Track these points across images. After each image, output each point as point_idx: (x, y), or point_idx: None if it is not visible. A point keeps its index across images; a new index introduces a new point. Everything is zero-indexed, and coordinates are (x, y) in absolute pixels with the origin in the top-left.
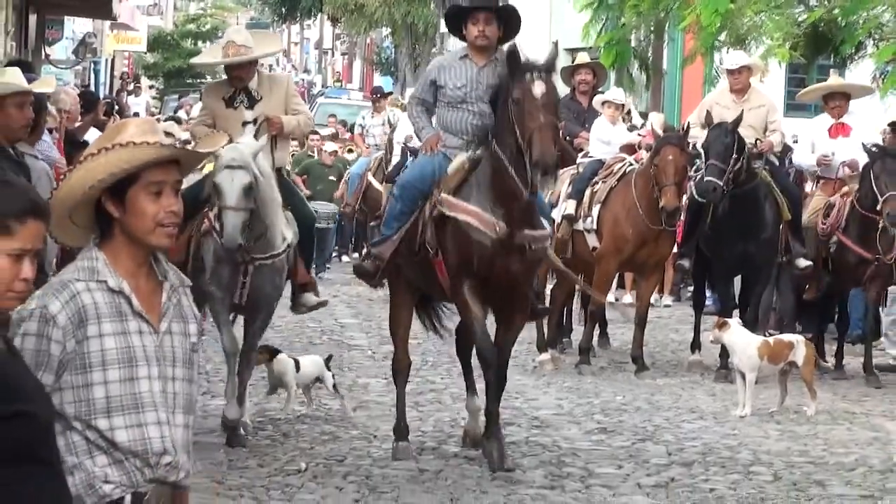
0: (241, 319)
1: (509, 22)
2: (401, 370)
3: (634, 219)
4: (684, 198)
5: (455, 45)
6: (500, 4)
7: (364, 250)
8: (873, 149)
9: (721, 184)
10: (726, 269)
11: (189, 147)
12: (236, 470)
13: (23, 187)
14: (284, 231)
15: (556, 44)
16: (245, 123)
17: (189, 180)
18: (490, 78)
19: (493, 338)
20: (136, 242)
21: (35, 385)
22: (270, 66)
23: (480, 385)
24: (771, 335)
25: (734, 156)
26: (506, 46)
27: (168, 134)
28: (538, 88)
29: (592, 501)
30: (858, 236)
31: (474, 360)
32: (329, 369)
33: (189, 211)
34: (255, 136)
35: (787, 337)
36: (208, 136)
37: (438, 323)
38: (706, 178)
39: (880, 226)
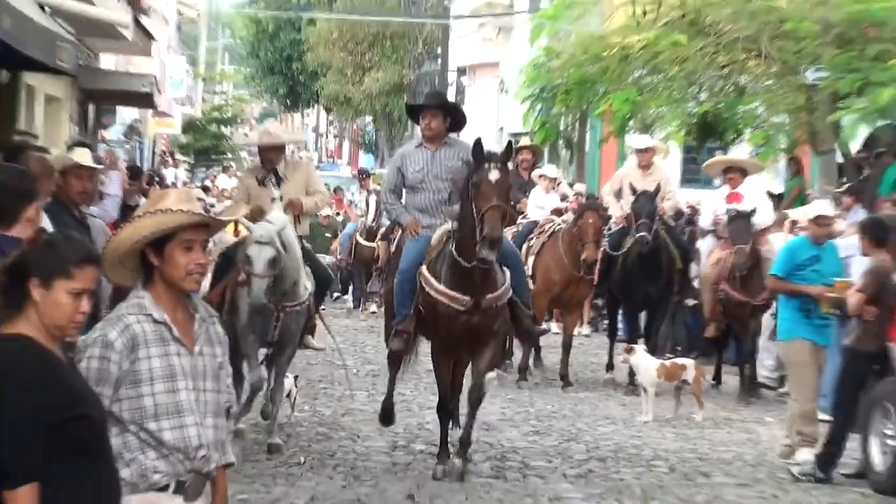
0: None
1: (454, 115)
2: (443, 414)
3: (561, 267)
4: (600, 251)
5: None
6: (446, 101)
7: (392, 333)
8: (731, 212)
9: (650, 237)
10: (633, 307)
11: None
12: (249, 462)
13: (80, 241)
14: (306, 283)
15: (510, 142)
16: (273, 199)
17: (227, 242)
18: (444, 159)
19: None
20: (172, 286)
21: (92, 394)
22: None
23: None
24: (668, 358)
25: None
26: (453, 136)
27: (199, 199)
28: (493, 175)
29: (528, 488)
30: (736, 283)
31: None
32: (296, 387)
33: (226, 267)
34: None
35: (680, 360)
36: (231, 206)
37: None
38: (640, 234)
39: (745, 271)
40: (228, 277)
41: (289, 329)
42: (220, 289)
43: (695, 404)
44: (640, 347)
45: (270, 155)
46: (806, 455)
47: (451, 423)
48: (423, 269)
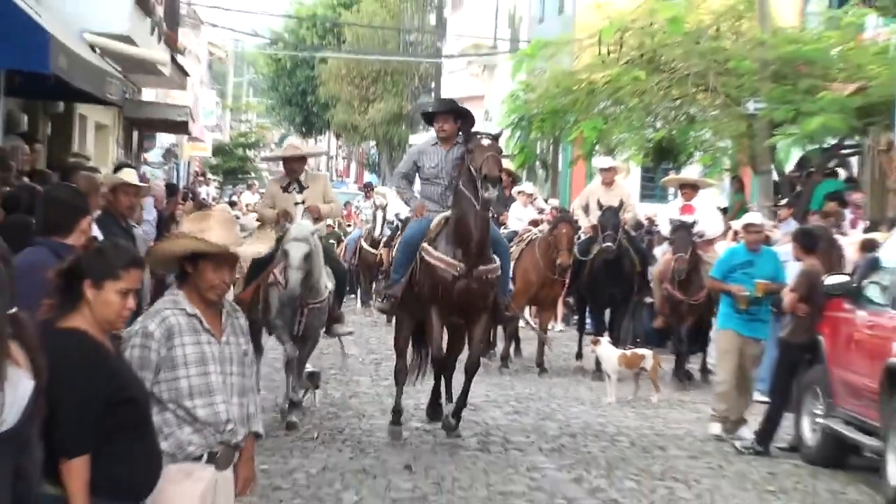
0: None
1: (465, 118)
2: (400, 378)
3: (538, 270)
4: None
5: None
6: (455, 106)
7: (381, 294)
8: (676, 222)
9: (615, 247)
10: (599, 305)
11: (245, 236)
12: (270, 437)
13: (126, 248)
14: (327, 282)
15: (500, 132)
16: (296, 204)
17: (261, 252)
18: (455, 157)
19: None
20: (199, 292)
21: (137, 379)
22: (312, 168)
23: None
24: (629, 349)
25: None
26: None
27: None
28: (486, 141)
29: (509, 460)
30: (676, 284)
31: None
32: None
33: (257, 272)
34: (302, 217)
35: (640, 351)
36: (260, 237)
37: (422, 346)
38: (606, 244)
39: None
40: (261, 278)
41: (312, 324)
42: (253, 288)
43: (652, 388)
44: (604, 340)
45: (294, 165)
46: (715, 429)
47: (443, 397)
48: (424, 244)
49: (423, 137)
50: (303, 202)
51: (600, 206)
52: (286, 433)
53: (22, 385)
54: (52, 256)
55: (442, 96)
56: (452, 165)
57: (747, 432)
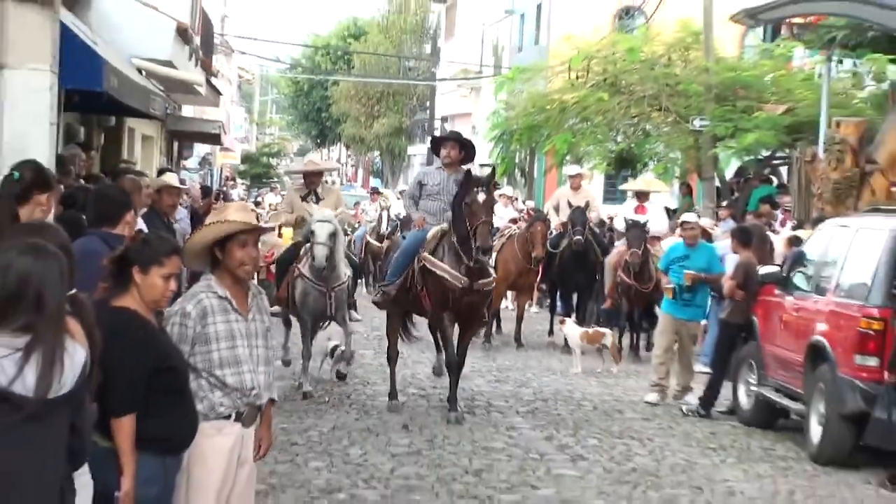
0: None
1: (466, 147)
2: (392, 358)
3: (516, 261)
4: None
5: (417, 161)
6: (462, 138)
7: (377, 289)
8: (629, 221)
9: (583, 240)
10: (568, 290)
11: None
12: (287, 401)
13: (168, 238)
14: (346, 269)
15: (494, 168)
16: (311, 214)
17: (279, 246)
18: (455, 182)
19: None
20: (231, 273)
21: (178, 350)
22: (329, 180)
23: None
24: (591, 328)
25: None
26: (464, 167)
27: (252, 210)
28: (481, 196)
29: (491, 421)
30: (630, 275)
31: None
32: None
33: (283, 270)
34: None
35: (600, 329)
36: (273, 216)
37: (409, 332)
38: (576, 237)
39: (637, 269)
40: (290, 273)
41: (340, 302)
42: (285, 285)
43: (612, 361)
44: (569, 320)
45: (312, 178)
46: (651, 398)
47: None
48: (425, 254)
49: (419, 148)
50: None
51: (570, 206)
52: (301, 399)
53: (77, 355)
54: (102, 244)
55: (437, 114)
56: (452, 186)
57: (692, 398)
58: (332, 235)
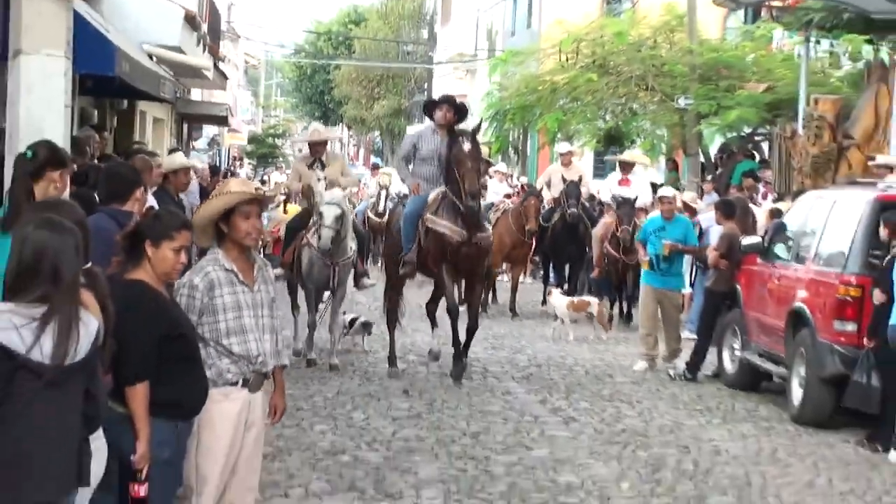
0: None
1: (460, 110)
2: (391, 322)
3: (511, 234)
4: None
5: None
6: (454, 100)
7: (402, 263)
8: (618, 198)
9: (578, 212)
10: (559, 262)
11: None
12: (294, 368)
13: (177, 213)
14: (351, 243)
15: (481, 120)
16: (319, 179)
17: (282, 220)
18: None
19: (460, 300)
20: (237, 244)
21: (188, 320)
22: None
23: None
24: (578, 297)
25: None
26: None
27: (257, 187)
28: (466, 146)
29: (487, 386)
30: (615, 245)
31: (440, 312)
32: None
33: (290, 237)
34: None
35: (587, 298)
36: (273, 188)
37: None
38: (570, 210)
39: (628, 244)
40: (296, 241)
41: (342, 277)
42: (291, 250)
43: (601, 329)
44: (556, 291)
45: (317, 147)
46: (639, 366)
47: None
48: (427, 215)
49: (418, 128)
50: (325, 178)
51: (564, 181)
52: (307, 366)
53: (91, 325)
54: (111, 221)
55: (434, 96)
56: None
57: (680, 363)
58: (339, 218)
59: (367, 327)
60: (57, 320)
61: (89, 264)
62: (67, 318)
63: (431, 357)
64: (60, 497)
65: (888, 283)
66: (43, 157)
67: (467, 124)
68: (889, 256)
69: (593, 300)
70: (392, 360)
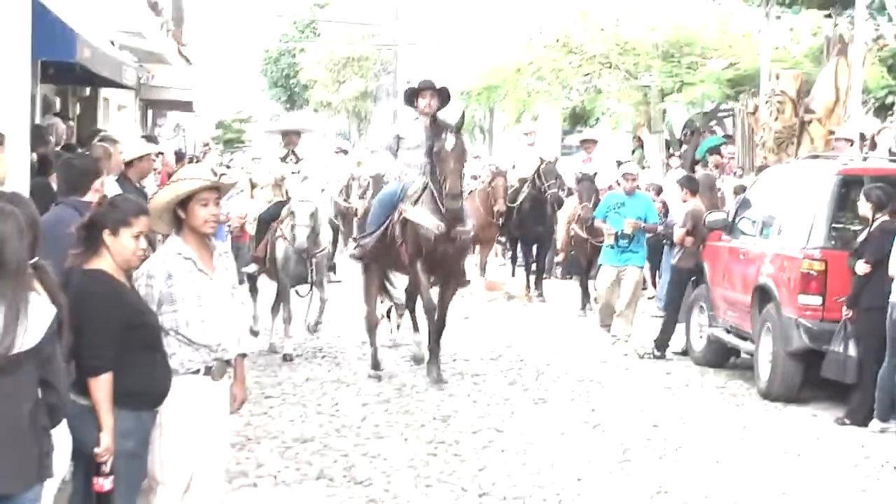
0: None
1: (443, 96)
2: (372, 326)
3: (479, 215)
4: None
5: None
6: (436, 86)
7: (355, 243)
8: (579, 174)
9: (558, 192)
10: (527, 242)
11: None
12: (263, 356)
13: (134, 199)
14: (326, 234)
15: (464, 112)
16: (293, 172)
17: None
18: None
19: (435, 298)
20: (195, 232)
21: (149, 309)
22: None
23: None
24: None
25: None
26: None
27: (223, 174)
28: (450, 143)
29: (456, 368)
30: (582, 228)
31: (418, 310)
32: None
33: (263, 229)
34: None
35: (495, 280)
36: (231, 177)
37: (388, 293)
38: (551, 190)
39: (589, 222)
40: (269, 233)
41: (320, 268)
42: (263, 245)
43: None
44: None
45: (291, 137)
46: (626, 349)
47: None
48: (405, 206)
49: (384, 109)
50: (299, 171)
51: (542, 161)
52: (276, 353)
53: (45, 311)
54: (73, 212)
55: (398, 77)
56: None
57: (648, 341)
58: (313, 215)
59: (399, 308)
60: (3, 306)
61: (35, 259)
62: (15, 303)
63: (416, 362)
64: (20, 489)
65: (874, 255)
66: None
67: (450, 111)
68: (871, 228)
69: (508, 280)
70: (375, 364)
